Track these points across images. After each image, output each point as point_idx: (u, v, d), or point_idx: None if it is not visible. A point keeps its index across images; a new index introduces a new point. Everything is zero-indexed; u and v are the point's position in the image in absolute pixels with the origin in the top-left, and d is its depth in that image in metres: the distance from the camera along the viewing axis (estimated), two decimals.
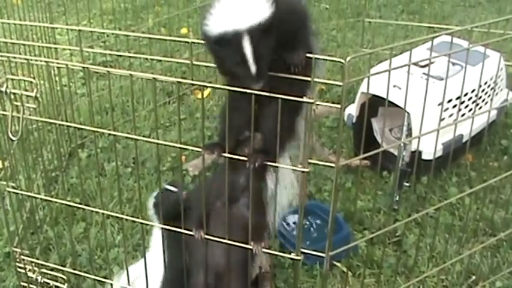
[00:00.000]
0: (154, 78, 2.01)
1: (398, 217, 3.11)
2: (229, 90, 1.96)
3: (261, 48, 1.86)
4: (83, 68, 2.16)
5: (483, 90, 3.40)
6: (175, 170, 3.49)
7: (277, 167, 2.07)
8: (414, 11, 5.94)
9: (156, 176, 3.42)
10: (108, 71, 2.07)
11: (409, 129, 3.25)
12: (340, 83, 1.82)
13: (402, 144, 3.24)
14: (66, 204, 2.39)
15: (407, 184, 3.26)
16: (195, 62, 1.96)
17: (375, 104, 3.33)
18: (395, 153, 3.28)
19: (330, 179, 3.36)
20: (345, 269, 2.80)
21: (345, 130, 3.70)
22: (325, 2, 5.96)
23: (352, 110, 3.54)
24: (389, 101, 2.88)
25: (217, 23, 1.88)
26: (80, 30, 2.12)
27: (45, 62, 2.75)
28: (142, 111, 4.17)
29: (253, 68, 1.86)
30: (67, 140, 3.77)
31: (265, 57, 1.88)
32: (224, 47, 1.88)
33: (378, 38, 4.98)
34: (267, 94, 1.84)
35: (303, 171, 1.90)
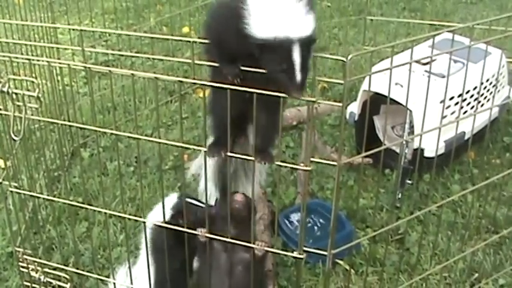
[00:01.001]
0: (156, 77, 2.01)
1: (401, 215, 3.12)
2: (224, 88, 1.96)
3: (306, 60, 1.88)
4: (85, 67, 2.16)
5: (485, 88, 3.39)
6: (177, 168, 3.49)
7: (280, 165, 2.07)
8: (416, 8, 5.93)
9: (158, 175, 3.42)
10: (109, 71, 2.07)
11: (411, 127, 3.25)
12: (342, 81, 1.82)
13: (404, 142, 3.24)
14: (68, 204, 2.38)
15: (409, 182, 3.26)
16: (196, 61, 1.97)
17: (377, 101, 3.33)
18: (398, 150, 3.28)
19: (332, 177, 3.36)
20: (347, 267, 2.80)
21: (347, 128, 3.70)
22: (327, 0, 5.95)
23: (354, 108, 3.54)
24: (392, 99, 2.89)
25: (264, 27, 1.89)
26: (81, 30, 2.12)
27: (47, 62, 2.75)
28: (144, 110, 4.17)
29: (299, 77, 1.87)
30: (69, 139, 3.77)
31: (307, 70, 1.90)
32: (269, 52, 1.88)
33: (379, 36, 4.98)
34: (266, 92, 1.85)
35: (305, 170, 1.90)
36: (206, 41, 2.07)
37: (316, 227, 3.08)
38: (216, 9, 2.15)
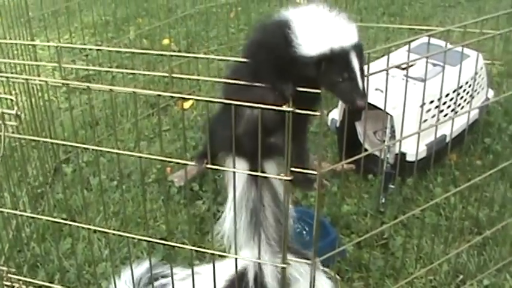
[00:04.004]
0: (134, 92, 2.01)
1: (385, 219, 3.13)
2: (218, 102, 1.96)
3: (362, 66, 1.92)
4: (63, 84, 2.16)
5: (464, 90, 3.42)
6: (160, 181, 3.49)
7: (265, 177, 2.08)
8: (395, 13, 5.96)
9: (143, 189, 3.41)
10: (88, 87, 2.07)
11: (393, 132, 3.26)
12: (319, 91, 1.83)
13: (386, 147, 3.26)
14: (51, 221, 2.38)
15: (392, 186, 3.27)
16: (174, 75, 1.97)
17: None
18: (381, 155, 3.30)
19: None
20: (333, 274, 2.80)
21: (329, 135, 3.71)
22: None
23: (336, 114, 3.55)
24: (372, 104, 2.91)
25: (316, 44, 1.91)
26: (58, 46, 2.12)
27: (25, 79, 2.74)
28: (126, 123, 4.16)
29: (360, 83, 1.90)
30: (52, 155, 3.75)
31: (364, 76, 1.93)
32: (327, 66, 1.90)
33: None
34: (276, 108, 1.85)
35: (285, 180, 1.91)
36: (247, 61, 2.06)
37: (305, 232, 3.08)
38: (262, 36, 2.12)
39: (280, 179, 1.94)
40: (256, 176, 2.09)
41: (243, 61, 2.07)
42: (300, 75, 1.91)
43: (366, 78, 1.95)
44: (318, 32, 1.93)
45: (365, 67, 1.95)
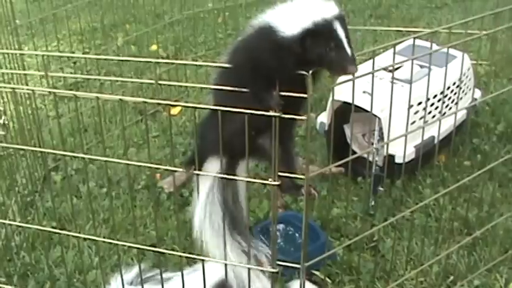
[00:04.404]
0: (120, 99, 2.01)
1: (375, 222, 3.13)
2: (205, 108, 1.97)
3: (347, 35, 1.93)
4: (49, 92, 2.16)
5: (452, 91, 3.42)
6: (150, 188, 3.48)
7: (249, 181, 2.08)
8: (382, 15, 5.98)
9: (132, 195, 3.40)
10: (74, 95, 2.07)
11: (381, 134, 3.27)
12: (305, 95, 1.83)
13: (374, 150, 3.26)
14: (40, 230, 2.37)
15: (381, 189, 3.28)
16: (160, 82, 1.97)
17: (346, 111, 3.35)
18: (370, 158, 3.30)
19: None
20: (324, 277, 2.81)
21: (318, 138, 3.71)
22: None
23: (324, 118, 3.55)
24: (361, 107, 2.91)
25: (298, 22, 1.93)
26: (44, 55, 2.12)
27: (12, 88, 2.74)
28: (115, 130, 4.15)
29: (349, 50, 1.91)
30: (41, 163, 3.74)
31: (351, 43, 1.94)
32: (313, 39, 1.91)
33: None
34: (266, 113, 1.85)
35: (273, 185, 1.91)
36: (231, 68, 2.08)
37: (297, 234, 3.08)
38: (246, 38, 2.15)
39: (267, 184, 1.94)
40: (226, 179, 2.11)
41: (226, 67, 2.08)
42: (287, 71, 1.90)
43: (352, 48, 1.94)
44: (297, 13, 1.95)
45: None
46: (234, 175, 2.27)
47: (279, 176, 1.92)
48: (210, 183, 2.33)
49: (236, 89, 1.96)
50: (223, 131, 1.95)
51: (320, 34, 1.91)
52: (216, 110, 1.90)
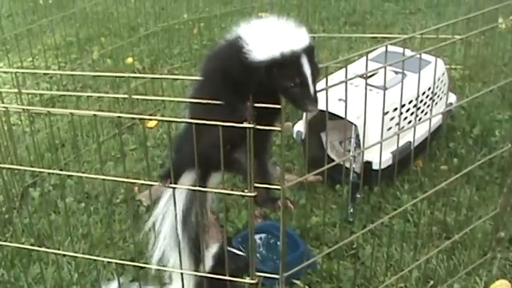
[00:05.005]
0: (95, 115, 2.01)
1: (354, 229, 3.14)
2: (180, 122, 1.97)
3: (314, 70, 1.90)
4: (23, 110, 2.15)
5: (427, 96, 3.45)
6: (128, 201, 3.47)
7: (223, 193, 2.08)
8: (357, 22, 6.01)
9: (110, 210, 3.39)
10: (48, 111, 2.06)
11: (358, 141, 3.28)
12: (279, 106, 1.84)
13: (352, 157, 3.27)
14: (18, 247, 2.36)
15: (359, 196, 3.29)
16: (134, 96, 1.97)
17: (323, 118, 3.36)
18: (347, 165, 3.31)
19: (284, 197, 3.36)
20: (304, 286, 2.81)
21: (295, 147, 3.72)
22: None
23: (301, 126, 3.56)
24: (337, 115, 2.93)
25: (267, 48, 1.89)
26: (15, 73, 2.11)
27: None
28: (92, 144, 4.13)
29: (312, 88, 1.88)
30: (18, 180, 3.71)
31: (316, 80, 1.91)
32: (279, 71, 1.87)
33: (322, 52, 5.02)
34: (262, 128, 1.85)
35: (249, 196, 1.91)
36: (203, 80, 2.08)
37: (278, 243, 3.08)
38: (216, 50, 2.14)
39: (243, 195, 1.94)
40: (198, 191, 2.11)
41: (199, 79, 2.08)
42: (256, 87, 1.90)
43: (318, 82, 1.93)
44: (268, 37, 1.92)
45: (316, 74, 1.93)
46: (206, 187, 2.27)
47: (255, 187, 1.92)
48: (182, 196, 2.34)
49: (210, 101, 1.96)
50: (199, 145, 1.95)
51: (286, 67, 1.87)
52: (190, 123, 1.90)
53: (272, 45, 1.88)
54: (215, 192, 2.29)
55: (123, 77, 1.96)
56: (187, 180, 2.23)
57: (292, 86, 1.86)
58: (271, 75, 1.87)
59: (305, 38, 1.93)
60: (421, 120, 3.35)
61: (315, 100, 1.89)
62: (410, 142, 3.26)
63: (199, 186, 2.16)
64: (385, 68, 2.34)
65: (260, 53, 1.89)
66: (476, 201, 3.33)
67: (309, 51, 1.90)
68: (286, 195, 2.01)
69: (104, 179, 2.09)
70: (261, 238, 3.11)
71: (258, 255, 2.94)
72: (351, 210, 3.22)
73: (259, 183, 1.96)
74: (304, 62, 1.87)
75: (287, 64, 1.87)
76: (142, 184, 2.06)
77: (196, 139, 1.94)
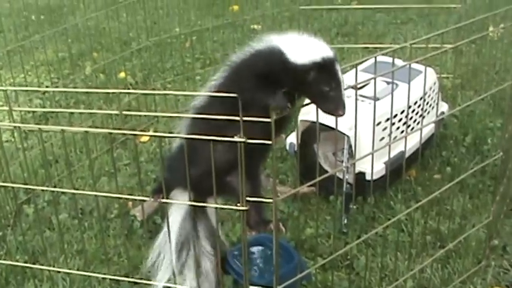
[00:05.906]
0: (86, 131, 2.01)
1: (348, 240, 3.14)
2: (172, 137, 1.98)
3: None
4: (14, 127, 2.15)
5: (419, 106, 3.46)
6: (123, 217, 3.46)
7: (217, 208, 2.09)
8: (349, 32, 6.03)
9: (105, 225, 3.38)
10: (39, 128, 2.07)
11: (351, 152, 3.29)
12: (269, 120, 1.85)
13: (345, 168, 3.28)
14: (12, 265, 2.35)
15: (353, 206, 3.30)
16: (125, 112, 1.98)
17: (315, 130, 3.37)
18: (340, 176, 3.32)
19: (279, 210, 3.36)
20: None
21: (288, 159, 3.73)
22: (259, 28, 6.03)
23: (294, 138, 3.57)
24: (329, 126, 2.93)
25: (306, 53, 1.99)
26: (6, 90, 2.11)
27: None
28: (86, 160, 4.13)
29: (344, 95, 2.00)
30: (12, 197, 3.71)
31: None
32: (319, 74, 1.98)
33: None
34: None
35: (241, 210, 1.92)
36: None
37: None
38: (255, 54, 2.16)
39: (235, 209, 1.95)
40: (195, 206, 2.12)
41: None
42: (291, 86, 1.97)
43: None
44: (305, 45, 2.02)
45: None
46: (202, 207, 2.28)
47: (247, 201, 1.93)
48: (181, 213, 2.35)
49: (215, 116, 1.98)
50: (191, 169, 1.96)
51: (324, 71, 1.97)
52: (182, 137, 1.91)
53: (311, 50, 1.99)
54: (206, 206, 2.29)
55: (114, 93, 1.97)
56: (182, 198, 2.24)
57: (327, 90, 1.97)
58: (309, 77, 1.97)
59: (330, 49, 2.05)
60: (414, 129, 3.36)
61: (344, 105, 2.00)
62: (403, 152, 3.28)
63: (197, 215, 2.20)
64: (375, 78, 2.35)
65: (300, 56, 1.99)
66: (470, 209, 3.34)
67: (338, 60, 2.03)
68: (279, 207, 2.01)
69: (96, 195, 2.09)
70: (257, 250, 3.11)
71: (255, 267, 2.93)
72: (345, 221, 3.23)
73: (251, 202, 1.98)
74: (339, 68, 2.00)
75: (325, 68, 1.98)
76: (134, 200, 2.06)
77: (190, 162, 1.95)
